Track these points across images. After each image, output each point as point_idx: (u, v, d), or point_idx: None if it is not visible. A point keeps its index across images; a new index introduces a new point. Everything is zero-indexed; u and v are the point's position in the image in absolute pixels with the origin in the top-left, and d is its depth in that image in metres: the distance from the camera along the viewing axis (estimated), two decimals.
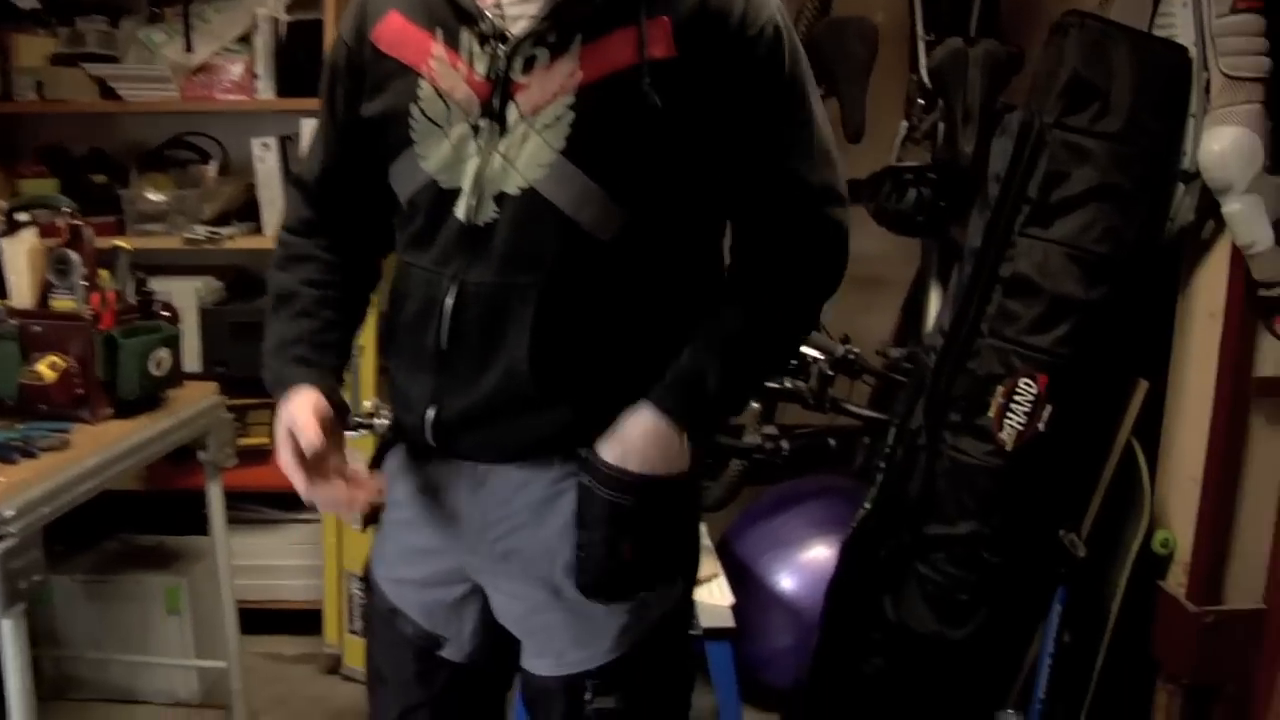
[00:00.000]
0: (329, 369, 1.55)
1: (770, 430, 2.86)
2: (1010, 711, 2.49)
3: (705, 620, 2.55)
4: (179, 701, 3.17)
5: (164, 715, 3.13)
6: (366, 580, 1.74)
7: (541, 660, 1.56)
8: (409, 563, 1.63)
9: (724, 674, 2.59)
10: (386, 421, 1.93)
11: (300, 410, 1.45)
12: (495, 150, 1.40)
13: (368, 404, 2.05)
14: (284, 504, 3.43)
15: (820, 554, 2.94)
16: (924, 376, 2.44)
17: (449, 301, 1.42)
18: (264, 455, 3.22)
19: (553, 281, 1.40)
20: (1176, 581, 2.50)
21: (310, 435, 1.42)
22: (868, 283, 3.46)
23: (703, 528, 2.95)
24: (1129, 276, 2.31)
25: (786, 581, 2.97)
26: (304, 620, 3.42)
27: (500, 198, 1.40)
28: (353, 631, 3.26)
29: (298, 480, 1.45)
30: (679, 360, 1.44)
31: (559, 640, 1.54)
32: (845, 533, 2.82)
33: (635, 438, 1.43)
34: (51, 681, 3.15)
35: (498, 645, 1.62)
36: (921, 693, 2.41)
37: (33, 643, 2.99)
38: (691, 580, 1.62)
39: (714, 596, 2.66)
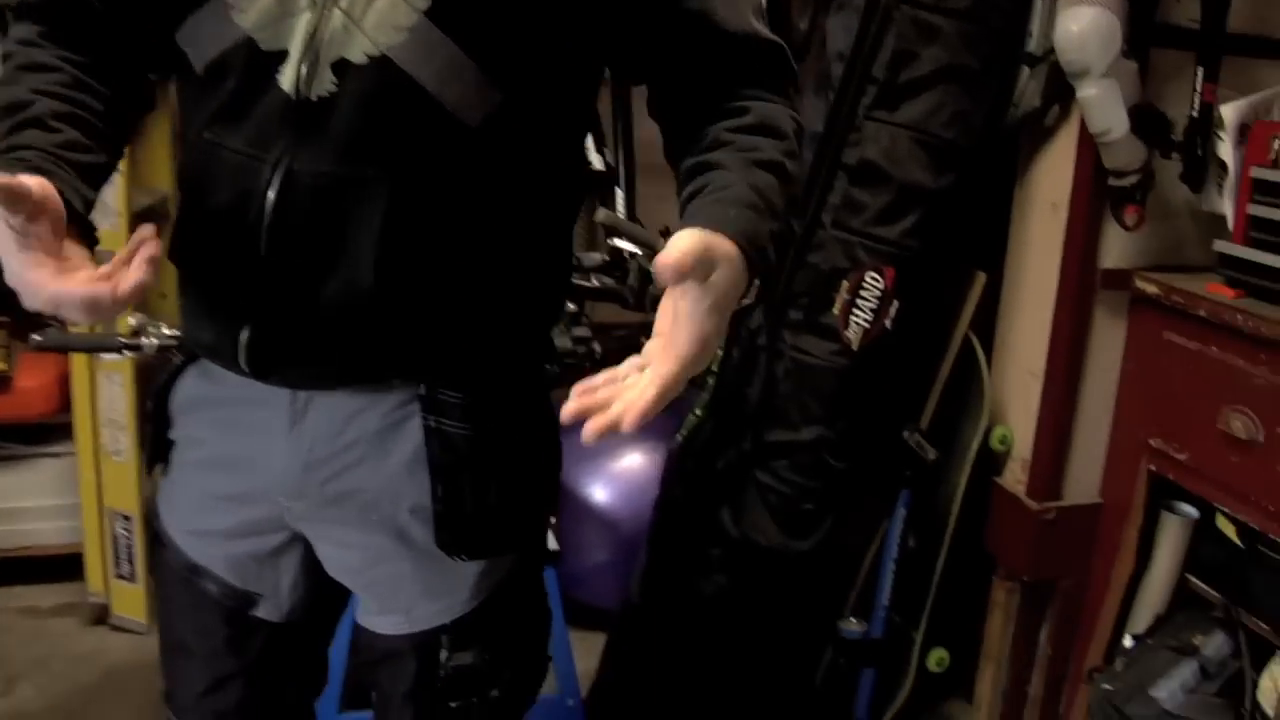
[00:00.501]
0: (69, 186, 1.12)
1: (581, 332, 2.63)
2: (852, 619, 2.39)
3: None
4: None
5: None
6: (155, 533, 1.47)
7: (386, 618, 1.36)
8: (211, 511, 1.37)
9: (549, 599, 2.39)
10: (155, 342, 1.69)
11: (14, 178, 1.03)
12: (336, 5, 1.12)
13: (131, 320, 1.70)
14: (30, 437, 3.02)
15: (638, 464, 2.79)
16: None
17: (271, 195, 1.14)
18: (3, 381, 2.84)
19: (408, 176, 1.15)
20: (1014, 479, 2.43)
21: (29, 182, 1.03)
22: (666, 172, 3.28)
23: None
24: (974, 164, 2.18)
25: (601, 494, 2.80)
26: (62, 567, 3.05)
27: (341, 66, 1.13)
28: (120, 576, 2.91)
29: (28, 266, 1.06)
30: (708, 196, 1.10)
31: (407, 594, 1.34)
32: (666, 441, 2.66)
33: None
34: None
35: (322, 597, 1.43)
36: (763, 607, 2.26)
37: None
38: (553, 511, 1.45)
39: None
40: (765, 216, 1.10)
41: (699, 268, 0.98)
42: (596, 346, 2.69)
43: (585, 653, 2.50)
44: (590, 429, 0.98)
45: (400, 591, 1.34)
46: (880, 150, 2.12)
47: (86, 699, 2.68)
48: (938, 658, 2.50)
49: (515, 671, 1.43)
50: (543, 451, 1.37)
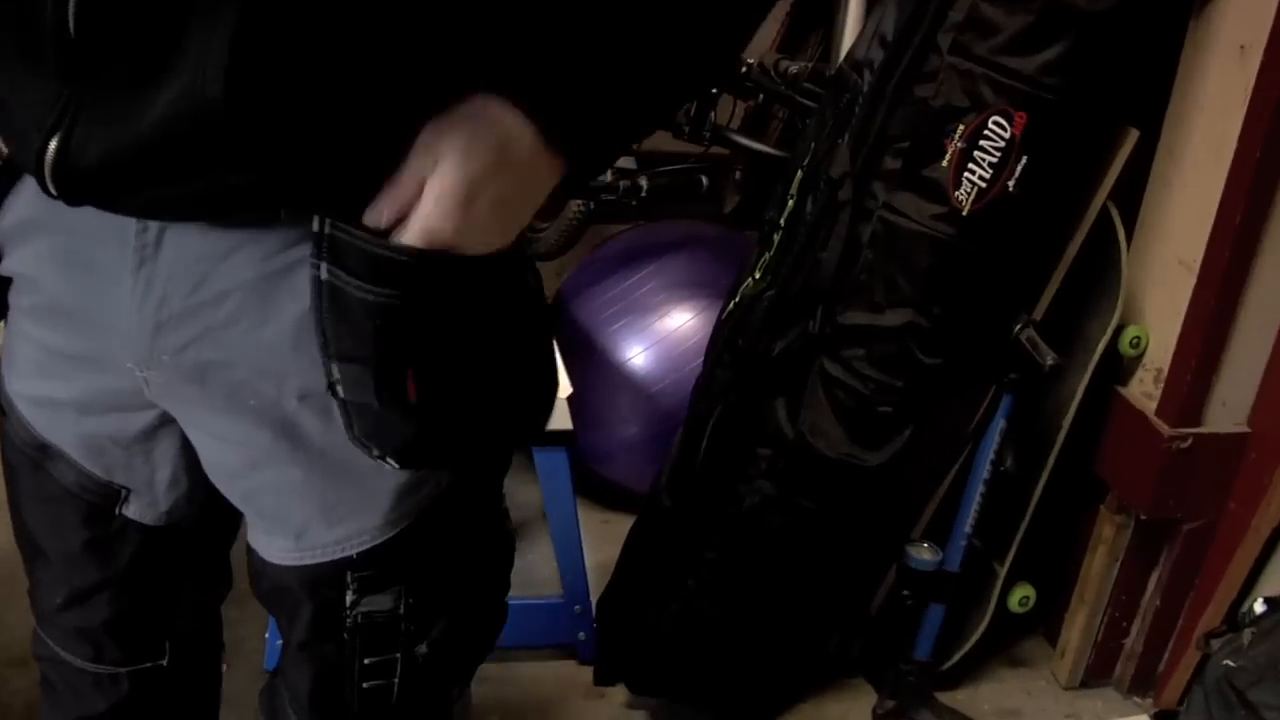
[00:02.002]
0: None
1: (625, 163, 2.16)
2: (924, 546, 1.95)
3: None
4: None
5: None
6: None
7: (273, 540, 1.03)
8: (55, 375, 1.03)
9: (559, 486, 1.99)
10: None
11: None
12: None
13: None
14: None
15: (682, 325, 2.35)
16: (851, 105, 1.76)
17: None
18: None
19: None
20: (1144, 392, 1.96)
21: None
22: None
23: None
24: None
25: (637, 357, 2.36)
26: None
27: None
28: None
29: None
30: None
31: (297, 512, 1.00)
32: (716, 300, 2.21)
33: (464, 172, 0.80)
34: None
35: (215, 494, 1.07)
36: (816, 525, 1.83)
37: None
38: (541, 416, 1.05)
39: None
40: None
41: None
42: (643, 182, 2.24)
43: (608, 538, 2.09)
44: None
45: (288, 508, 1.00)
46: None
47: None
48: (1022, 595, 2.08)
49: (453, 621, 1.08)
50: (501, 326, 0.94)
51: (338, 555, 1.01)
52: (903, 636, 2.01)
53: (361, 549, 1.00)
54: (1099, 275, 1.93)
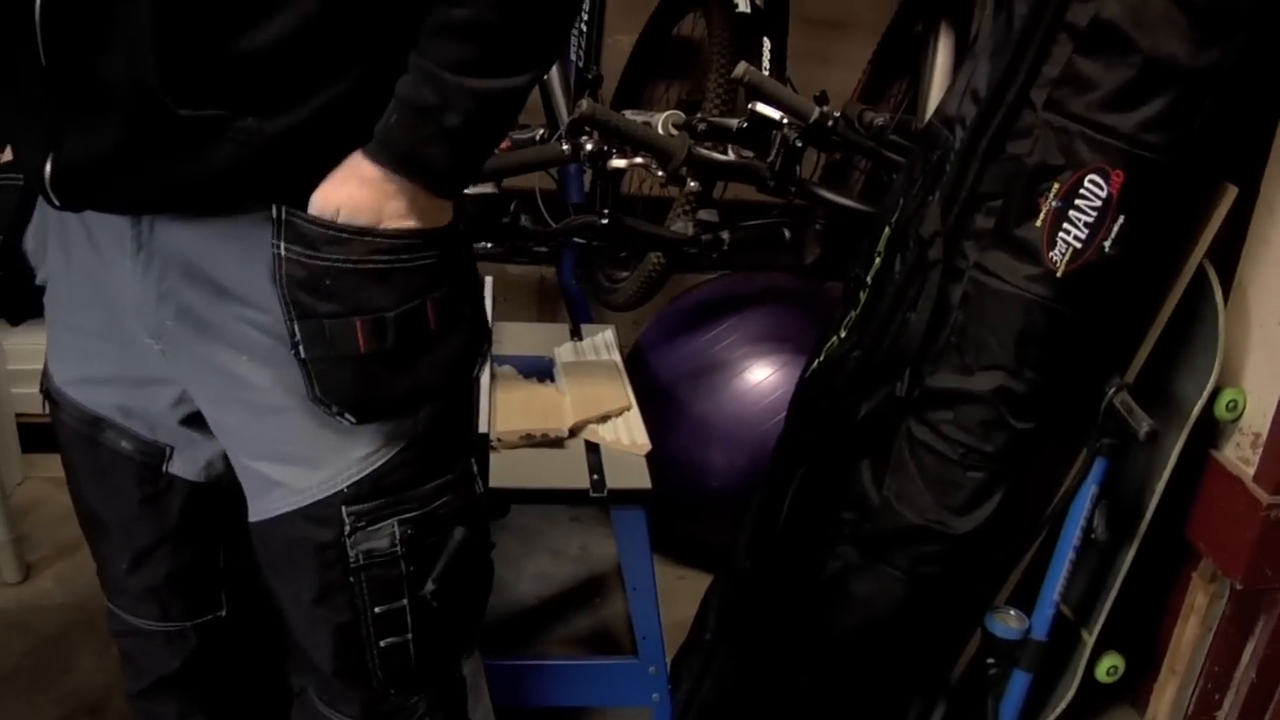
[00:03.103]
0: None
1: (708, 215, 2.14)
2: (1011, 612, 1.89)
3: (613, 477, 1.89)
4: None
5: None
6: (49, 398, 1.34)
7: (271, 496, 1.16)
8: (94, 355, 1.25)
9: (637, 545, 1.95)
10: None
11: None
12: None
13: None
14: None
15: (763, 380, 2.32)
16: (942, 161, 1.73)
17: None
18: None
19: None
20: (1240, 457, 1.90)
21: None
22: (820, 25, 2.79)
23: (609, 338, 2.31)
24: (1249, 34, 1.60)
25: (715, 415, 2.31)
26: None
27: None
28: None
29: None
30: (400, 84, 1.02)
31: (294, 452, 1.14)
32: (797, 354, 2.18)
33: (345, 179, 1.03)
34: None
35: None
36: (899, 592, 1.78)
37: None
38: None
39: (624, 440, 1.99)
40: (433, 118, 1.00)
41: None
42: (725, 235, 2.21)
43: (683, 595, 2.06)
44: None
45: (285, 451, 1.14)
46: (1124, 8, 1.56)
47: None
48: (1110, 665, 2.01)
49: (450, 562, 1.19)
50: (440, 284, 1.09)
51: (329, 491, 1.13)
52: (986, 705, 1.95)
53: (350, 481, 1.12)
54: (1194, 337, 1.87)
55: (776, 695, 1.88)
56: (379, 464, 1.13)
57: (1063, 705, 2.00)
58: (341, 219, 1.02)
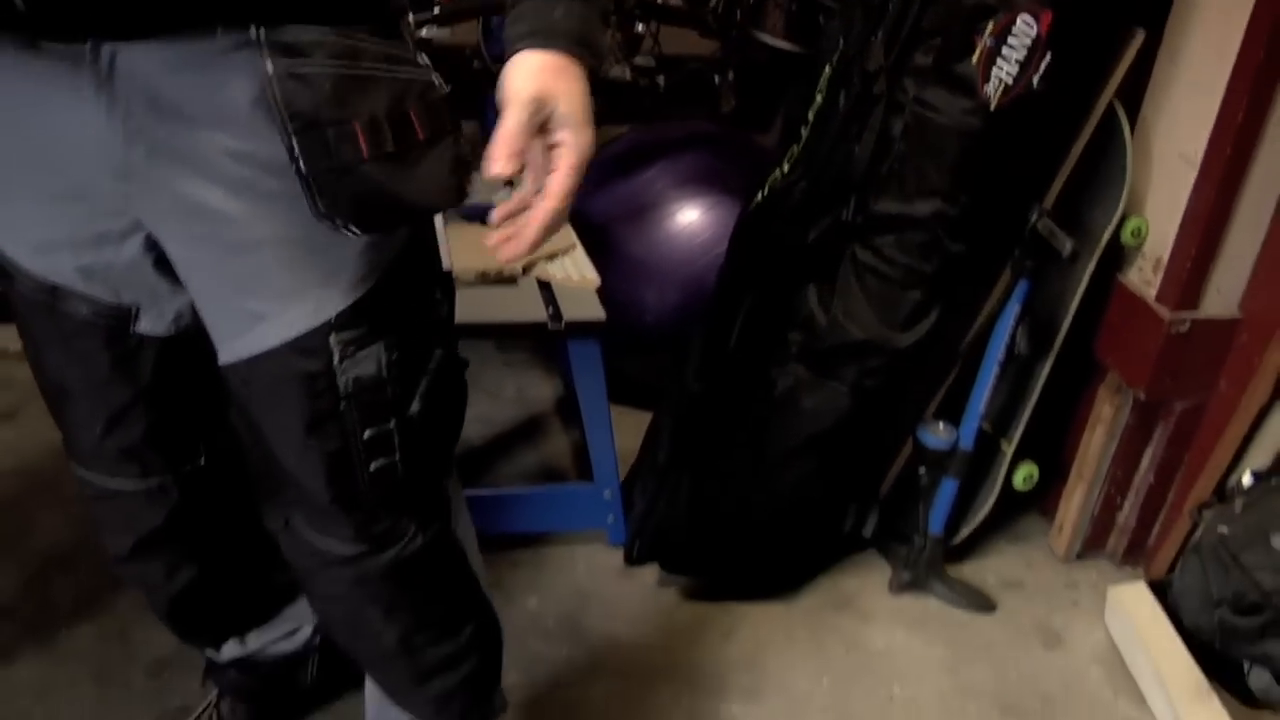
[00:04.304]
0: None
1: (644, 61, 2.22)
2: (940, 426, 2.07)
3: (568, 310, 2.00)
4: None
5: None
6: None
7: (254, 333, 1.15)
8: (47, 219, 1.17)
9: (591, 373, 2.07)
10: None
11: None
12: None
13: None
14: None
15: (693, 221, 2.41)
16: (885, 1, 1.84)
17: None
18: None
19: None
20: (1143, 280, 2.08)
21: None
22: None
23: None
24: None
25: (648, 255, 2.41)
26: None
27: None
28: None
29: None
30: None
31: (275, 286, 1.13)
32: (724, 196, 2.29)
33: (536, 74, 1.05)
34: None
35: None
36: (843, 405, 1.93)
37: None
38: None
39: (575, 276, 2.09)
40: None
41: (537, 119, 1.04)
42: (661, 80, 2.29)
43: (623, 429, 2.20)
44: (503, 257, 1.08)
45: (266, 286, 1.13)
46: None
47: (56, 461, 2.27)
48: (1026, 473, 2.20)
49: (432, 382, 1.23)
50: (419, 97, 1.09)
51: (318, 321, 1.13)
52: (916, 513, 2.14)
53: (338, 310, 1.13)
54: (1104, 169, 2.03)
55: (728, 512, 2.03)
56: (363, 291, 1.14)
57: (984, 512, 2.19)
58: (564, 109, 1.05)
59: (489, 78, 2.20)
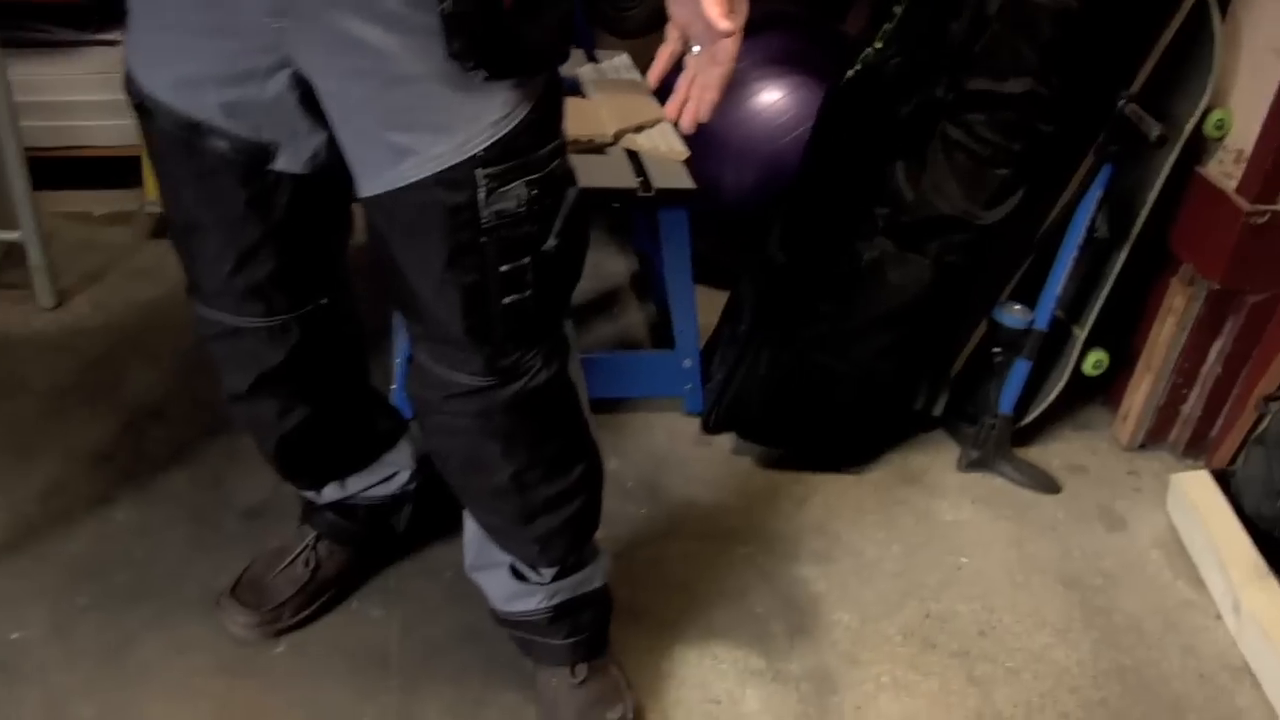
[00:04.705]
0: None
1: None
2: (1016, 306, 2.11)
3: (658, 179, 2.05)
4: None
5: None
6: (137, 104, 1.30)
7: (403, 165, 1.19)
8: (194, 53, 1.22)
9: (678, 241, 2.12)
10: None
11: None
12: None
13: None
14: (79, 20, 2.66)
15: (775, 101, 2.44)
16: None
17: None
18: None
19: None
20: (1224, 172, 2.10)
21: None
22: None
23: (626, 60, 2.42)
24: None
25: (728, 133, 2.43)
26: (117, 170, 2.76)
27: None
28: None
29: None
30: None
31: (426, 122, 1.16)
32: (808, 76, 2.31)
33: None
34: None
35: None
36: (926, 279, 1.97)
37: None
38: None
39: (663, 147, 2.13)
40: None
41: None
42: None
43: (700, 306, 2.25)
44: (685, 124, 1.22)
45: (416, 120, 1.16)
46: None
47: (146, 318, 2.45)
48: (1096, 360, 2.25)
49: (566, 221, 1.27)
50: None
51: (464, 155, 1.17)
52: (986, 393, 2.19)
53: (484, 145, 1.17)
54: (1191, 59, 2.05)
55: (805, 382, 2.08)
56: (509, 128, 1.18)
57: (1053, 395, 2.24)
58: (712, 12, 1.12)
59: None
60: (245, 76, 1.22)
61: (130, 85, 1.30)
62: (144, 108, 1.29)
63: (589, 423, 1.52)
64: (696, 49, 1.17)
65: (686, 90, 1.22)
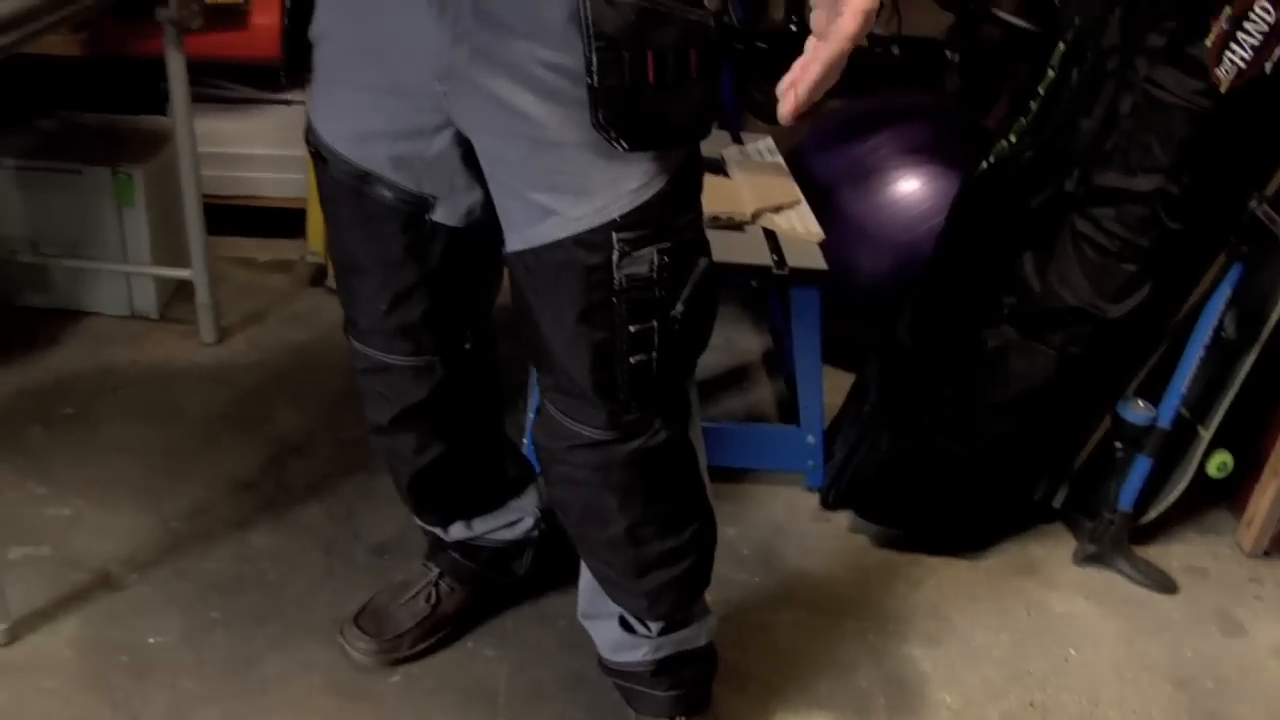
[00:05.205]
0: None
1: (880, 30, 2.33)
2: (1139, 402, 2.11)
3: (792, 258, 2.12)
4: (135, 314, 2.71)
5: (116, 329, 2.68)
6: (314, 152, 1.46)
7: (547, 224, 1.28)
8: (368, 110, 1.37)
9: (809, 321, 2.18)
10: None
11: None
12: None
13: None
14: (261, 80, 2.86)
15: (914, 190, 2.50)
16: None
17: None
18: (236, 16, 2.66)
19: None
20: None
21: None
22: None
23: (770, 144, 2.50)
24: None
25: (866, 218, 2.50)
26: (282, 221, 2.93)
27: None
28: None
29: None
30: None
31: (570, 184, 1.26)
32: (945, 168, 2.37)
33: None
34: None
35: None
36: (1050, 370, 2.00)
37: None
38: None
39: (799, 228, 2.20)
40: None
41: None
42: (895, 50, 2.40)
43: (827, 386, 2.31)
44: (785, 108, 1.15)
45: (561, 183, 1.26)
46: None
47: (298, 360, 2.60)
48: (1220, 461, 2.23)
49: (694, 290, 1.33)
50: (700, 40, 1.22)
51: (603, 219, 1.26)
52: (1107, 487, 2.19)
53: (622, 211, 1.26)
54: None
55: (925, 465, 2.11)
56: (646, 196, 1.26)
57: (1175, 494, 2.22)
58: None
59: (733, 35, 2.33)
60: (413, 133, 1.35)
61: (310, 135, 1.44)
62: (321, 156, 1.44)
63: (705, 485, 1.58)
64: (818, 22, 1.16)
65: (796, 72, 1.16)
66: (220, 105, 2.90)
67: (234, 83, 2.90)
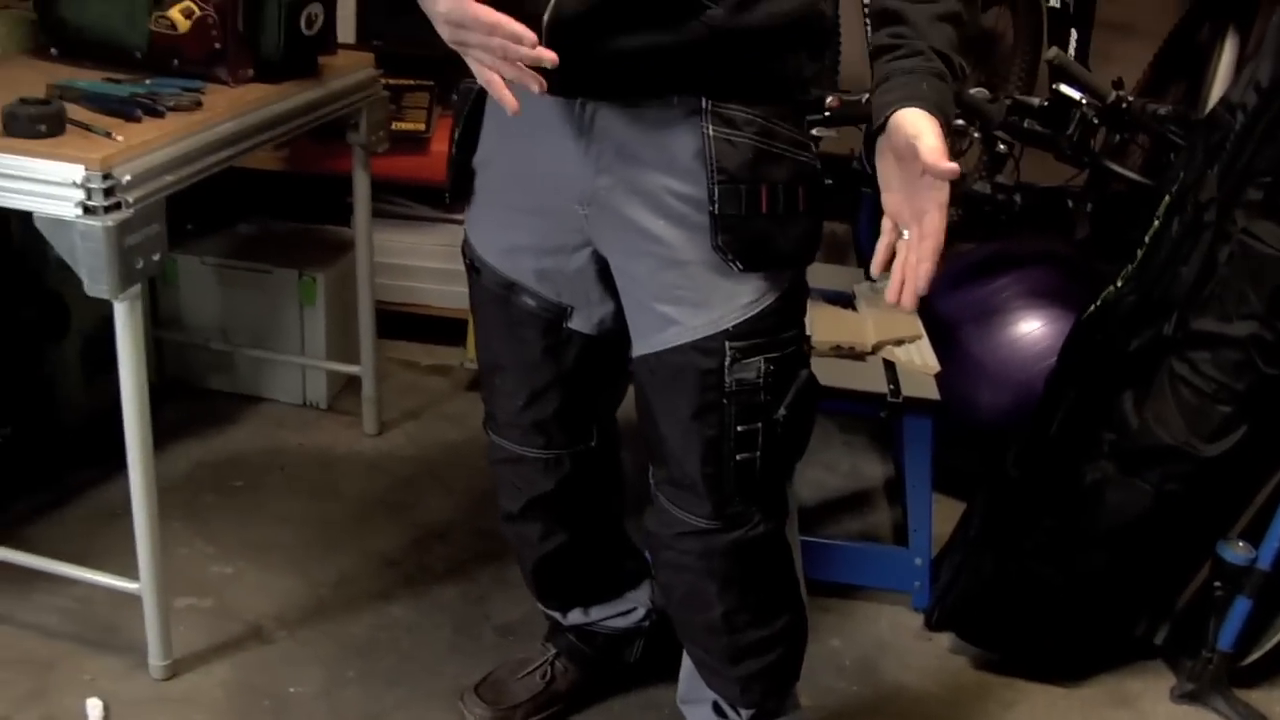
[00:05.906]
0: None
1: (1004, 180, 2.48)
2: (1239, 543, 2.16)
3: (907, 388, 2.26)
4: (307, 403, 3.00)
5: (289, 415, 2.97)
6: (469, 263, 1.66)
7: (668, 331, 1.48)
8: (516, 227, 1.57)
9: (921, 448, 2.31)
10: None
11: None
12: None
13: None
14: (436, 200, 3.15)
15: (1033, 331, 2.60)
16: (1223, 141, 2.02)
17: None
18: (419, 143, 2.96)
19: None
20: None
21: None
22: (1108, 27, 3.03)
23: None
24: None
25: (987, 356, 2.61)
26: (445, 329, 3.19)
27: None
28: None
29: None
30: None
31: (690, 297, 1.46)
32: (1065, 311, 2.48)
33: (932, 128, 1.27)
34: (171, 370, 3.01)
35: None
36: (1148, 508, 2.08)
37: (154, 324, 2.85)
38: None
39: (917, 361, 2.34)
40: (950, 84, 1.30)
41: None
42: (1018, 198, 2.54)
43: (940, 516, 2.42)
44: (906, 302, 1.33)
45: (683, 296, 1.45)
46: None
47: (448, 456, 2.82)
48: None
49: (796, 396, 1.50)
50: (808, 179, 1.45)
51: (717, 329, 1.45)
52: (1207, 626, 2.22)
53: (735, 322, 1.45)
54: None
55: (1027, 590, 2.19)
56: (757, 310, 1.45)
57: (1277, 638, 2.25)
58: (933, 158, 1.23)
59: (865, 180, 2.50)
60: (556, 250, 1.55)
61: (466, 248, 1.66)
62: (474, 267, 1.65)
63: (799, 583, 1.71)
64: (906, 234, 1.32)
65: (902, 271, 1.32)
66: (398, 220, 3.20)
67: (411, 201, 3.20)
